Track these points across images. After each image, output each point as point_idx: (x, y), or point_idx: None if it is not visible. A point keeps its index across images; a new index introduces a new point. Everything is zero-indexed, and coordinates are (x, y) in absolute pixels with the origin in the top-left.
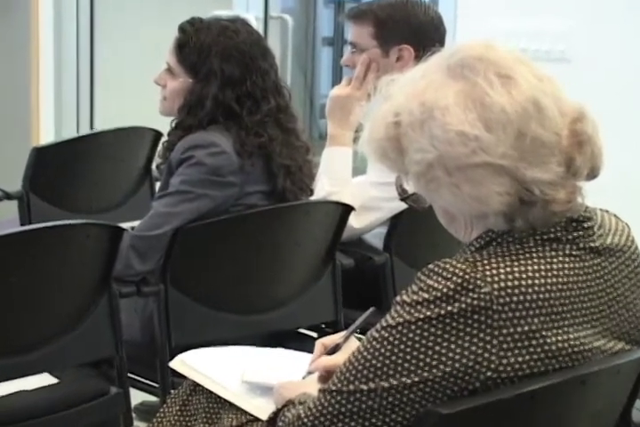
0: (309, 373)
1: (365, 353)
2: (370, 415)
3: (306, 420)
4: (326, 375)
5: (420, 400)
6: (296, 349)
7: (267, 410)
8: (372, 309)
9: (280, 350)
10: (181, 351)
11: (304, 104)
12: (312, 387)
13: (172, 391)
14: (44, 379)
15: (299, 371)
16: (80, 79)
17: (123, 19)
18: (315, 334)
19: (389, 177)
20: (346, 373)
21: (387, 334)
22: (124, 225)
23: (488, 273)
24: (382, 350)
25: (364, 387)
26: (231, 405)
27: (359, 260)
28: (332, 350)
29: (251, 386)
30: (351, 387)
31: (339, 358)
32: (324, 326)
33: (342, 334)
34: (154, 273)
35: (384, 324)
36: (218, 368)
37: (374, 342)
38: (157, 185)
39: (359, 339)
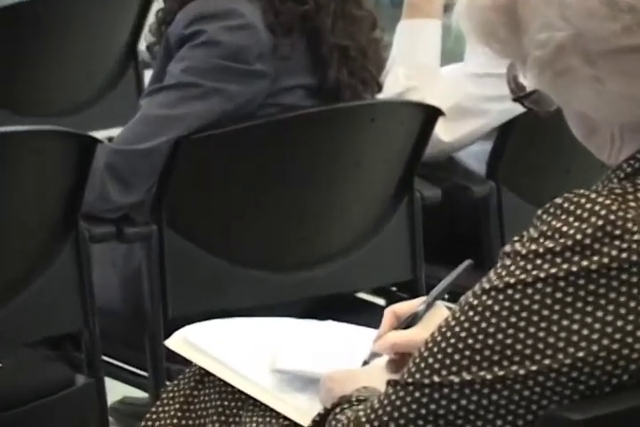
0: (373, 355)
1: (458, 329)
2: (463, 421)
3: (368, 426)
4: (399, 360)
5: (538, 399)
6: (353, 322)
7: (309, 412)
8: (467, 262)
9: (330, 324)
10: (183, 325)
11: None
12: (377, 378)
13: (169, 383)
14: None
15: (357, 354)
16: None
17: None
18: (382, 301)
19: (497, 66)
20: (429, 358)
21: (490, 301)
22: (98, 135)
23: None
24: (483, 325)
25: (456, 379)
26: (256, 403)
27: (450, 190)
28: (409, 323)
29: (286, 377)
30: (436, 378)
31: (418, 335)
32: (395, 288)
33: (423, 299)
34: (142, 207)
35: (486, 286)
36: (237, 350)
37: (471, 313)
38: (148, 74)
39: (449, 308)
